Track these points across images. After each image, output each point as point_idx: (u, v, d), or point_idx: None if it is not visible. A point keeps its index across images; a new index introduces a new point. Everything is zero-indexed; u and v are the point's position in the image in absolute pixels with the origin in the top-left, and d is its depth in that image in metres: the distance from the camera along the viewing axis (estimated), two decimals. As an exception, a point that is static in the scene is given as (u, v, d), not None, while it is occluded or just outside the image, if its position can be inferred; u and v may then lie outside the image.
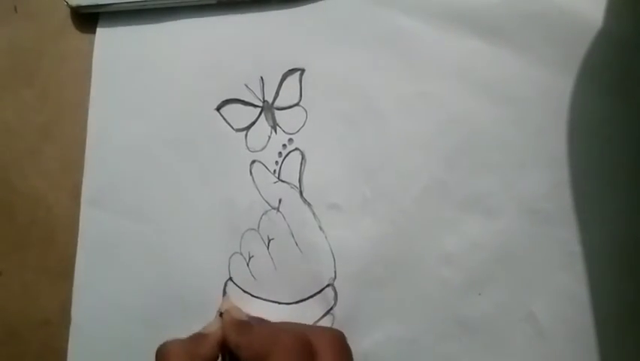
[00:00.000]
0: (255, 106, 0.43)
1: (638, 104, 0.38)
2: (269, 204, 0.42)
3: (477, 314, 0.39)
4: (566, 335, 0.38)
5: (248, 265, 0.42)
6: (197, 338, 0.38)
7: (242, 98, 0.43)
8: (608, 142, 0.38)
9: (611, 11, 0.39)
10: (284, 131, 0.42)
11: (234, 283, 0.42)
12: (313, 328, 0.39)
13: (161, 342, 0.41)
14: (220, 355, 0.38)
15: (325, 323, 0.41)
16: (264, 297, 0.42)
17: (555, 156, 0.39)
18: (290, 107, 0.43)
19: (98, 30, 0.45)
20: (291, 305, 0.41)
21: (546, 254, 0.38)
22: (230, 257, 0.42)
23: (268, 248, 0.42)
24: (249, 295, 0.42)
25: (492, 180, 0.39)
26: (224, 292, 0.42)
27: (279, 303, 0.42)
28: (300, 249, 0.41)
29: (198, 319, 0.41)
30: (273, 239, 0.42)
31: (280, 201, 0.42)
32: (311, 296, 0.41)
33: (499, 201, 0.39)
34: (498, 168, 0.39)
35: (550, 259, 0.38)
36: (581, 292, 0.38)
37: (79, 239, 0.43)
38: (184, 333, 0.41)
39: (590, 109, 0.39)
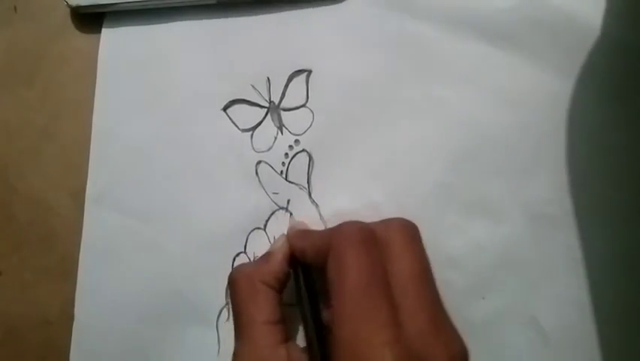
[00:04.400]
0: (261, 107, 0.43)
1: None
2: (277, 205, 0.42)
3: (480, 318, 0.39)
4: (569, 340, 0.38)
5: (252, 265, 0.42)
6: (265, 256, 0.39)
7: (248, 99, 0.43)
8: (613, 148, 0.39)
9: (618, 18, 0.39)
10: (290, 132, 0.43)
11: (237, 283, 0.42)
12: (380, 221, 0.36)
13: (161, 341, 0.42)
14: (292, 272, 0.38)
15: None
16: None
17: (560, 161, 0.39)
18: (296, 108, 0.43)
19: (104, 30, 0.45)
20: (293, 306, 0.41)
21: (550, 259, 0.38)
22: (234, 257, 0.42)
23: (273, 249, 0.42)
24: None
25: (497, 185, 0.40)
26: (227, 294, 0.42)
27: (284, 304, 0.42)
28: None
29: (200, 319, 0.42)
30: (278, 240, 0.42)
31: (289, 201, 0.42)
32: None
33: (504, 206, 0.39)
34: (503, 172, 0.40)
35: (554, 264, 0.38)
36: (585, 298, 0.38)
37: (82, 238, 0.43)
38: (186, 333, 0.42)
39: (597, 115, 0.39)
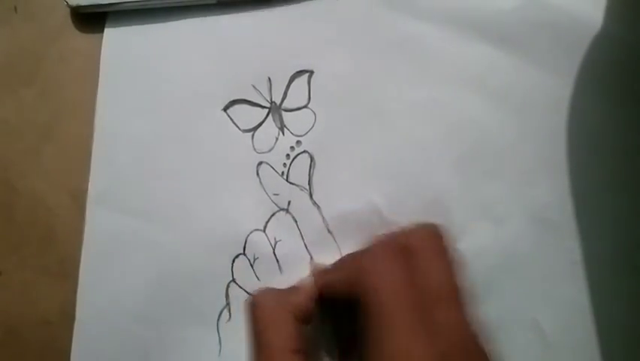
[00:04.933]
0: (263, 107, 0.43)
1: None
2: (277, 206, 0.42)
3: (481, 321, 0.39)
4: (570, 343, 0.38)
5: (252, 266, 0.42)
6: (291, 288, 0.38)
7: (249, 99, 0.43)
8: (615, 150, 0.39)
9: (620, 19, 0.39)
10: (292, 133, 0.43)
11: (237, 284, 0.42)
12: (406, 230, 0.36)
13: (161, 341, 0.42)
14: (319, 312, 0.38)
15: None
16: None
17: (562, 163, 0.39)
18: (298, 108, 0.43)
19: (106, 29, 0.45)
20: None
21: (552, 262, 0.38)
22: (233, 258, 0.42)
23: (275, 250, 0.42)
24: (253, 297, 0.42)
25: (499, 188, 0.40)
26: (227, 295, 0.42)
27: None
28: (308, 251, 0.41)
29: (201, 319, 0.42)
30: (280, 240, 0.42)
31: (289, 202, 0.42)
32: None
33: (506, 209, 0.39)
34: (506, 175, 0.40)
35: (555, 268, 0.38)
36: (586, 301, 0.38)
37: (84, 237, 0.43)
38: (186, 334, 0.42)
39: (598, 116, 0.39)
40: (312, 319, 0.37)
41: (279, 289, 0.38)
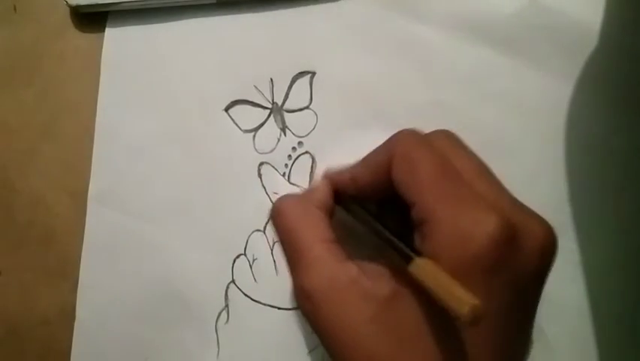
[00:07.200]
0: (264, 108, 0.43)
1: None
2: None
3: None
4: (571, 345, 0.38)
5: (251, 267, 0.42)
6: (308, 189, 0.37)
7: (251, 100, 0.43)
8: (615, 152, 0.39)
9: (619, 23, 0.40)
10: (293, 133, 0.43)
11: (236, 285, 0.42)
12: (525, 213, 0.32)
13: (160, 342, 0.42)
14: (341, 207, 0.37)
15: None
16: (263, 301, 0.42)
17: (564, 166, 0.39)
18: (300, 110, 0.43)
19: (107, 29, 0.45)
20: (289, 311, 0.41)
21: (555, 266, 0.38)
22: (234, 259, 0.42)
23: (272, 251, 0.42)
24: (250, 299, 0.42)
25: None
26: (226, 296, 0.42)
27: (279, 308, 0.42)
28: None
29: (200, 321, 0.42)
30: (277, 242, 0.42)
31: (290, 204, 0.42)
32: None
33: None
34: (508, 178, 0.39)
35: (558, 271, 0.38)
36: (587, 303, 0.38)
37: (84, 237, 0.43)
38: (185, 334, 0.42)
39: (598, 119, 0.39)
40: (333, 213, 0.36)
41: (296, 193, 0.37)
